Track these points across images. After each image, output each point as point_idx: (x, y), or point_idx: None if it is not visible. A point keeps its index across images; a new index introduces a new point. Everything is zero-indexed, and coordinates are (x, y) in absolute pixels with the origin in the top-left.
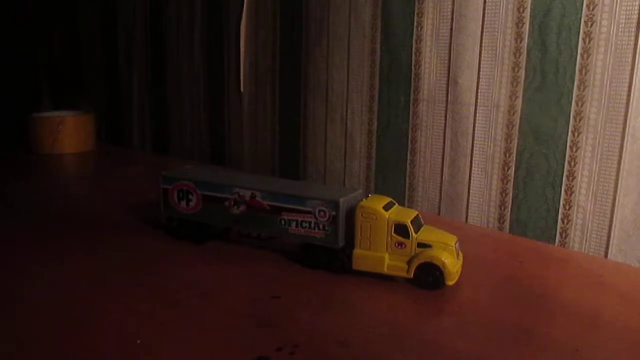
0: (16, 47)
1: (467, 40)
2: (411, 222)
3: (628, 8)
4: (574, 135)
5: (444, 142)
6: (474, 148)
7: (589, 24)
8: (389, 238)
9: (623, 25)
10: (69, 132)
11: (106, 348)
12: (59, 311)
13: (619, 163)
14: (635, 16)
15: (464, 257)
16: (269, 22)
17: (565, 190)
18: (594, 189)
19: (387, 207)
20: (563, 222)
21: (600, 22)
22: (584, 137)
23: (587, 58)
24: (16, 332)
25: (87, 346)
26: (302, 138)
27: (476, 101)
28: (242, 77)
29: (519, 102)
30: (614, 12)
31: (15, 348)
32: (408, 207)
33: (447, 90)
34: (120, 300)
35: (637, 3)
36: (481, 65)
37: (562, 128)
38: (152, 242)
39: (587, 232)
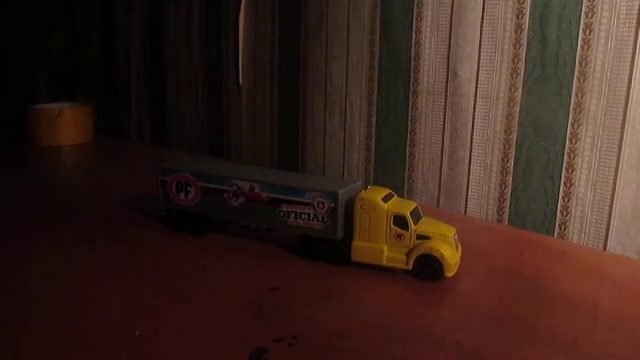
0: (14, 39)
1: (466, 32)
2: (410, 213)
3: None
4: (573, 127)
5: (444, 134)
6: (474, 140)
7: (590, 15)
8: (388, 230)
9: (623, 16)
10: (67, 124)
11: (106, 339)
12: (58, 302)
13: (619, 155)
14: (636, 8)
15: (463, 249)
16: (267, 13)
17: (564, 182)
18: (593, 181)
19: (386, 199)
20: (562, 214)
21: (601, 14)
22: (583, 129)
23: (587, 49)
24: (16, 323)
25: (87, 336)
26: (301, 130)
27: (476, 93)
28: (240, 70)
29: (518, 94)
30: (614, 3)
31: (15, 339)
32: (407, 198)
33: (447, 82)
34: (119, 292)
35: None
36: (481, 57)
37: (561, 120)
38: (151, 234)
39: (586, 224)
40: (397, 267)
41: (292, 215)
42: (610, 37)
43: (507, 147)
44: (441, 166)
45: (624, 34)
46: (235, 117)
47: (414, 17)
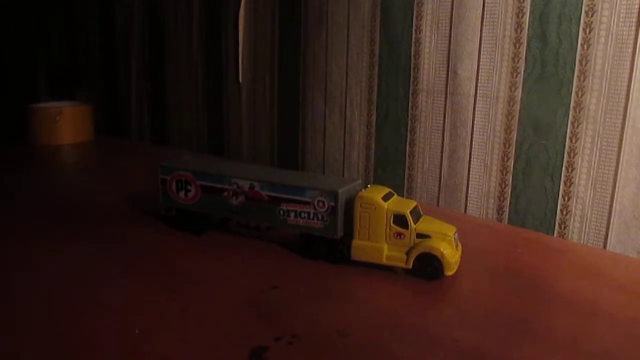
0: (14, 39)
1: (467, 30)
2: (410, 212)
3: None
4: (573, 126)
5: (443, 133)
6: (474, 139)
7: (590, 14)
8: (388, 228)
9: (624, 15)
10: (67, 123)
11: (105, 338)
12: (58, 302)
13: (619, 154)
14: (636, 7)
15: (462, 248)
16: (267, 12)
17: (564, 181)
18: (593, 179)
19: (386, 198)
20: (562, 213)
21: (601, 12)
22: (583, 128)
23: (588, 48)
24: (16, 321)
25: (86, 336)
26: (300, 129)
27: (476, 92)
28: (240, 68)
29: (518, 93)
30: (614, 2)
31: (15, 336)
32: (407, 197)
33: (447, 80)
34: (119, 291)
35: None
36: (481, 56)
37: (561, 119)
38: (151, 233)
39: (586, 223)
40: (397, 266)
41: (292, 214)
42: (610, 36)
43: (507, 146)
44: (441, 165)
45: (624, 33)
46: (235, 116)
47: (414, 15)
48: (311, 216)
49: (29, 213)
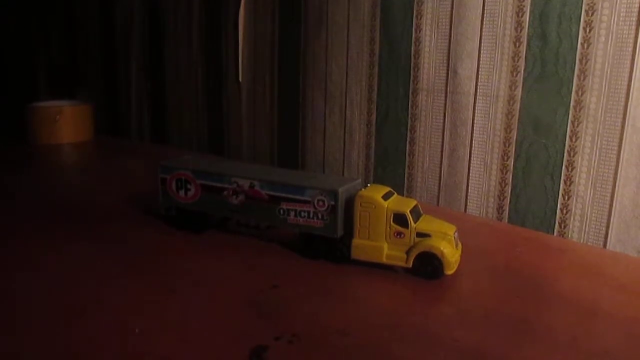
0: (13, 38)
1: (467, 29)
2: (410, 211)
3: None
4: (573, 125)
5: (443, 132)
6: (474, 138)
7: (590, 12)
8: (388, 227)
9: (624, 14)
10: (66, 123)
11: (105, 337)
12: (58, 301)
13: (619, 153)
14: (636, 6)
15: (462, 247)
16: (267, 12)
17: (564, 180)
18: (594, 178)
19: (386, 197)
20: (562, 212)
21: (601, 11)
22: (583, 127)
23: (588, 47)
24: (16, 321)
25: (86, 335)
26: (300, 128)
27: (476, 91)
28: (240, 68)
29: (518, 92)
30: (614, 1)
31: (15, 336)
32: (407, 196)
33: (447, 79)
34: (119, 291)
35: None
36: (481, 55)
37: (561, 118)
38: (151, 232)
39: (586, 222)
40: (397, 265)
41: (292, 213)
42: (610, 35)
43: (507, 145)
44: (441, 164)
45: (624, 32)
46: (235, 115)
47: (414, 14)
48: (311, 215)
49: (29, 213)
